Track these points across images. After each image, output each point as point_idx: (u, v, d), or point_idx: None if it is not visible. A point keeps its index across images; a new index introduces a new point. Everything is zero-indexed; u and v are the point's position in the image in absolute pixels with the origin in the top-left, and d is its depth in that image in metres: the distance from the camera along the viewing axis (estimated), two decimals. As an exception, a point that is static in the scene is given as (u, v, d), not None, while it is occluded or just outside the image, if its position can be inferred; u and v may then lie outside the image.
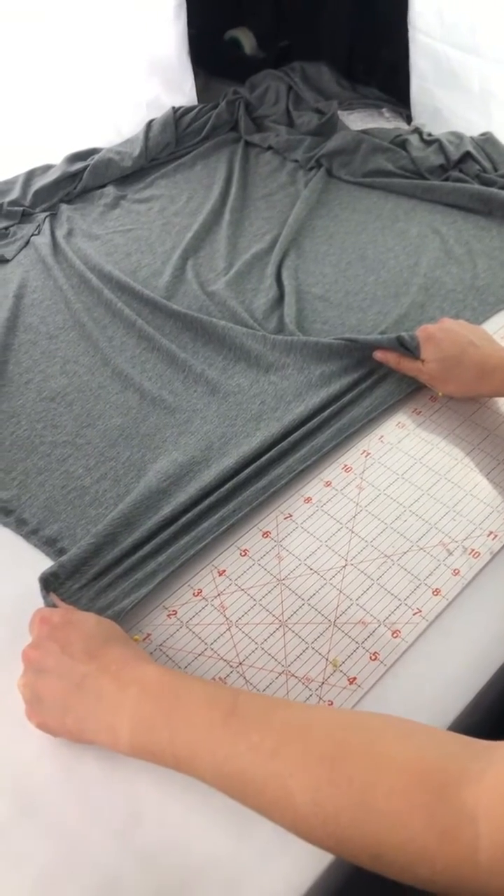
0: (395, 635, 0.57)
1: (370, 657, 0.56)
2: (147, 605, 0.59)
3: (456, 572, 0.61)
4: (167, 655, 0.56)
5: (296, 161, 1.16)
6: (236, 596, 0.60)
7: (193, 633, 0.57)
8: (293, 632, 0.57)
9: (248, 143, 1.21)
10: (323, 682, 0.54)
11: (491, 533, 0.64)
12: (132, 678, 0.46)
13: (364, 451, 0.71)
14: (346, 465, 0.69)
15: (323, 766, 0.39)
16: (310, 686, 0.54)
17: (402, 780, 0.37)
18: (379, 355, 0.74)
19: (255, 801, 0.41)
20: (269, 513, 0.65)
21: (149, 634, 0.57)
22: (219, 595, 0.60)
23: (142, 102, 1.21)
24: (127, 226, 1.03)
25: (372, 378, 0.76)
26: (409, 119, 1.20)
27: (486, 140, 1.08)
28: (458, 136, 1.09)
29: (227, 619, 0.58)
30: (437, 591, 0.60)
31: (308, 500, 0.67)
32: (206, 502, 0.64)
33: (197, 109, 1.22)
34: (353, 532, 0.64)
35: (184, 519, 0.63)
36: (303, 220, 1.03)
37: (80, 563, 0.59)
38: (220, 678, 0.55)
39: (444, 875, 0.35)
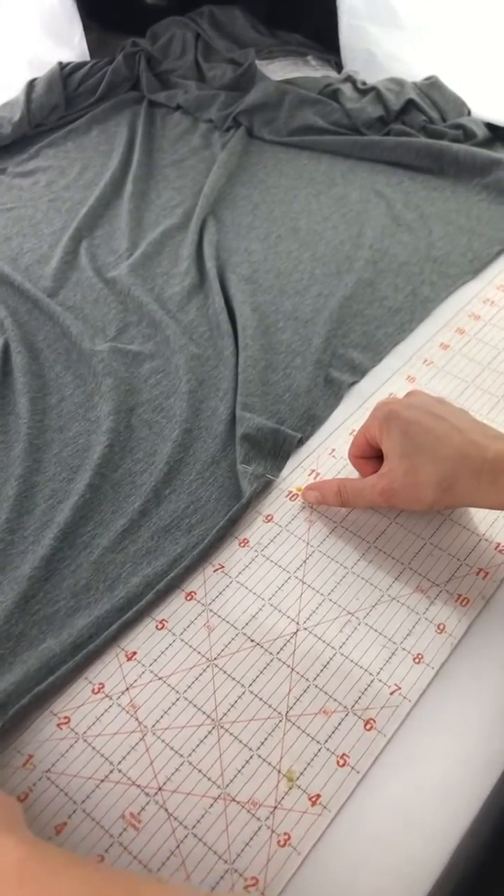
0: (368, 727, 0.44)
1: (337, 762, 0.43)
2: (27, 712, 0.44)
3: (441, 628, 0.48)
4: (57, 786, 0.42)
5: (209, 121, 1.02)
6: (152, 688, 0.46)
7: (93, 748, 0.43)
8: (231, 734, 0.44)
9: (152, 103, 1.07)
10: (276, 807, 0.41)
11: (480, 570, 0.51)
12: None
13: (312, 470, 0.58)
14: (290, 493, 0.56)
15: None
16: (257, 814, 0.41)
17: None
18: (311, 496, 0.54)
19: None
20: (195, 562, 0.51)
21: (30, 757, 0.43)
22: (128, 689, 0.46)
23: (21, 59, 1.06)
24: (7, 204, 0.88)
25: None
26: (338, 67, 1.08)
27: (431, 85, 0.96)
28: (399, 83, 0.97)
29: (141, 723, 0.44)
30: (419, 658, 0.47)
31: (244, 542, 0.53)
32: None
33: (89, 66, 1.08)
34: (304, 582, 0.51)
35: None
36: (221, 188, 0.89)
37: None
38: (131, 814, 0.41)
39: None
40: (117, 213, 0.86)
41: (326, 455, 0.59)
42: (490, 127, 0.94)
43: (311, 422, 0.61)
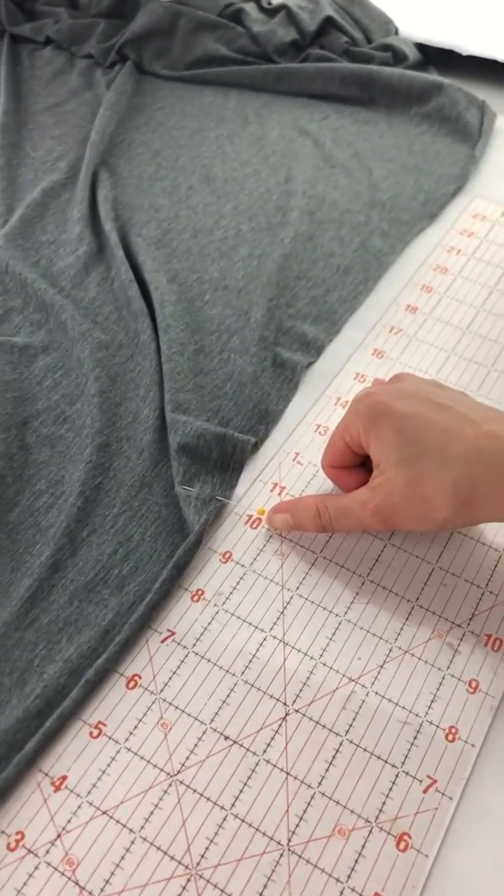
0: (402, 846, 0.33)
1: (369, 906, 0.31)
2: None
3: (473, 686, 0.38)
4: None
5: (89, 56, 0.87)
6: (94, 830, 0.33)
7: (17, 941, 0.30)
8: (215, 886, 0.32)
9: (15, 38, 0.90)
10: None
11: (509, 597, 0.41)
12: None
13: (275, 484, 0.46)
14: (251, 519, 0.44)
15: None
16: None
17: None
18: (279, 521, 0.42)
19: None
20: (134, 632, 0.39)
21: None
22: (59, 837, 0.33)
23: None
24: None
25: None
26: (238, -15, 0.94)
27: (352, 0, 0.84)
28: (313, 0, 0.84)
29: (83, 888, 0.31)
30: (452, 733, 0.36)
31: (198, 594, 0.41)
32: None
33: None
34: (285, 643, 0.39)
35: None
36: (112, 134, 0.75)
37: None
38: None
39: None
40: (-16, 171, 0.70)
41: (290, 462, 0.47)
42: (420, 48, 0.83)
43: (263, 419, 0.49)
